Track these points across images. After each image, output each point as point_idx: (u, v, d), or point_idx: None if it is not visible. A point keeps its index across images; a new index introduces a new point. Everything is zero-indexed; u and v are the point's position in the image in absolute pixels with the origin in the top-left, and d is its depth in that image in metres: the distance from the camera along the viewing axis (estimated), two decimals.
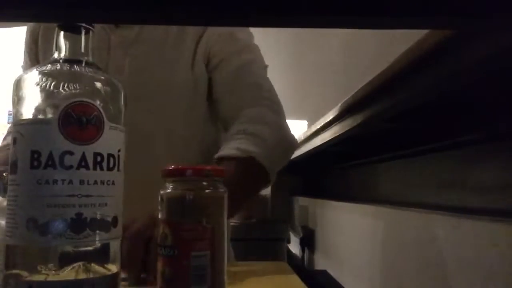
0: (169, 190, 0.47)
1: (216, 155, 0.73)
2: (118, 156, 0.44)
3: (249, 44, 0.87)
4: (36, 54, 0.90)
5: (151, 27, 0.82)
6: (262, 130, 0.76)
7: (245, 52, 0.85)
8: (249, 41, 0.87)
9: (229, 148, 0.72)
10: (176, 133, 0.82)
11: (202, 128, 0.85)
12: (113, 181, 0.43)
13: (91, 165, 0.41)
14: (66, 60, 0.44)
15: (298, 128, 2.08)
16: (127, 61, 0.80)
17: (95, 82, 0.43)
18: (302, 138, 1.21)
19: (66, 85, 0.41)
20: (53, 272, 0.39)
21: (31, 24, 0.91)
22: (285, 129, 0.82)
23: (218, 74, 0.84)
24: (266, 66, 0.87)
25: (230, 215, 0.52)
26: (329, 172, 1.65)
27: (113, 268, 0.43)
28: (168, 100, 0.81)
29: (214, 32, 0.83)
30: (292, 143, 0.83)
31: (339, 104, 0.78)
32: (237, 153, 0.70)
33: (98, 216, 0.41)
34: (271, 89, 0.84)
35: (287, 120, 0.83)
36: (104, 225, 0.41)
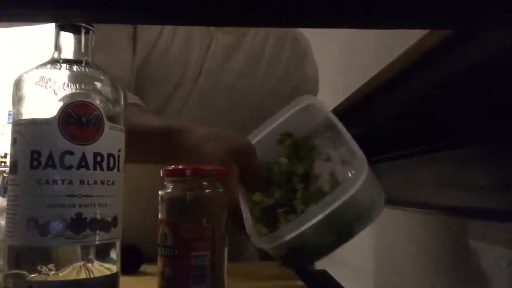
0: (169, 190, 0.47)
1: None
2: (118, 156, 0.44)
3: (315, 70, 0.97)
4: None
5: (252, 35, 0.83)
6: None
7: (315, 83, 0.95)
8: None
9: None
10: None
11: None
12: (113, 181, 0.43)
13: (91, 165, 0.41)
14: (66, 60, 0.44)
15: None
16: (228, 65, 0.80)
17: (95, 82, 0.43)
18: None
19: (66, 85, 0.41)
20: (53, 272, 0.39)
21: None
22: None
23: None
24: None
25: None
26: None
27: (113, 268, 0.43)
28: (251, 110, 0.81)
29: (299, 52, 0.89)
30: None
31: (339, 104, 0.78)
32: None
33: (98, 216, 0.41)
34: None
35: None
36: (104, 225, 0.41)
